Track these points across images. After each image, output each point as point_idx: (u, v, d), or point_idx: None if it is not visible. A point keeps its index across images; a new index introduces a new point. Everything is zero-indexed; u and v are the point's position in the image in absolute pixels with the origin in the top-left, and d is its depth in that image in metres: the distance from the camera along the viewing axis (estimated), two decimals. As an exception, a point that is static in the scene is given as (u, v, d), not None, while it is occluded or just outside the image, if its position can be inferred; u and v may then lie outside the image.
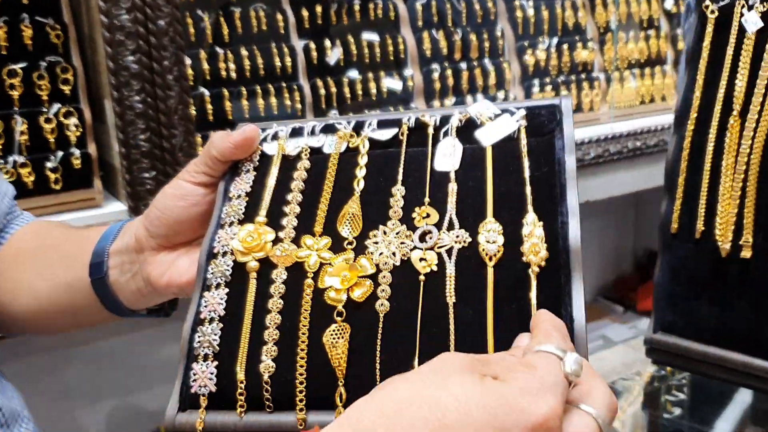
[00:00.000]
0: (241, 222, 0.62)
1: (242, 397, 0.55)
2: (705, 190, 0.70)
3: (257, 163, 0.65)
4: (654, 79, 1.83)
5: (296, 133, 0.66)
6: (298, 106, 1.42)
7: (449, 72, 1.60)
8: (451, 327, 0.52)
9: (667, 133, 1.75)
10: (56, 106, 1.13)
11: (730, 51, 0.69)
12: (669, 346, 0.72)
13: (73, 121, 1.14)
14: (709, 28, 0.71)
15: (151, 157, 1.14)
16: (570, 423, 0.39)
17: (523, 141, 0.59)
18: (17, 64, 1.10)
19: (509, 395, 0.37)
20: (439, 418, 0.37)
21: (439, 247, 0.56)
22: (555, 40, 1.72)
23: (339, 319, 0.54)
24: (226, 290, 0.59)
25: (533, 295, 0.52)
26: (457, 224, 0.56)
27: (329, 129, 0.65)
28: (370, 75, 1.51)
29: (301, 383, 0.53)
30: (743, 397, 0.96)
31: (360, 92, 1.50)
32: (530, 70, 1.70)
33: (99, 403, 1.51)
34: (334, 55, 1.47)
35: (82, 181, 1.17)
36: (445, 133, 0.62)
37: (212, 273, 0.60)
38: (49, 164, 1.13)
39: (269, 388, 0.54)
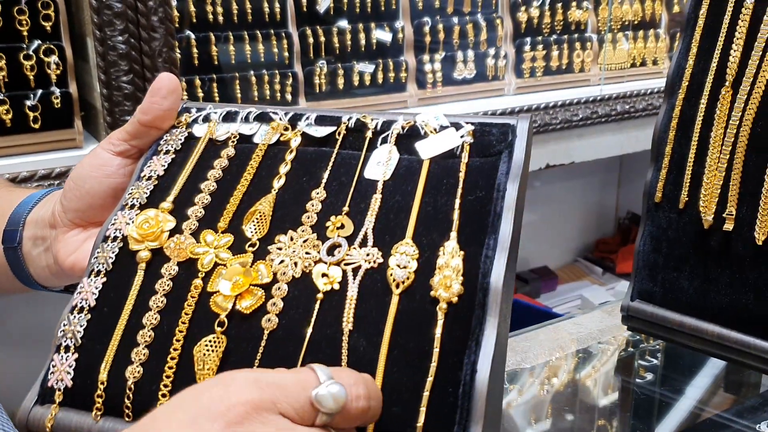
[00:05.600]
0: (142, 206, 0.56)
1: (100, 400, 0.49)
2: (692, 160, 0.69)
3: (180, 145, 0.60)
4: (647, 42, 1.82)
5: (229, 117, 0.62)
6: (286, 54, 1.40)
7: (441, 26, 1.58)
8: (343, 357, 0.47)
9: (656, 97, 1.74)
10: (36, 43, 1.11)
11: (726, 20, 0.68)
12: (646, 314, 0.72)
13: (53, 59, 1.12)
14: (707, -5, 0.69)
15: (133, 99, 1.13)
16: None
17: (464, 159, 0.54)
18: (-3, -2, 1.07)
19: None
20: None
21: (345, 264, 0.50)
22: (549, -2, 1.69)
23: (219, 330, 0.49)
24: (104, 279, 0.53)
25: (437, 334, 0.46)
26: (371, 241, 0.51)
27: (264, 118, 0.61)
28: (361, 26, 1.48)
29: (164, 396, 0.48)
30: (714, 365, 0.97)
31: (349, 42, 1.47)
32: (522, 27, 1.68)
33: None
34: (325, 3, 1.44)
35: (62, 121, 1.15)
36: (384, 140, 0.57)
37: (96, 258, 0.55)
38: (28, 102, 1.11)
39: (131, 395, 0.49)
